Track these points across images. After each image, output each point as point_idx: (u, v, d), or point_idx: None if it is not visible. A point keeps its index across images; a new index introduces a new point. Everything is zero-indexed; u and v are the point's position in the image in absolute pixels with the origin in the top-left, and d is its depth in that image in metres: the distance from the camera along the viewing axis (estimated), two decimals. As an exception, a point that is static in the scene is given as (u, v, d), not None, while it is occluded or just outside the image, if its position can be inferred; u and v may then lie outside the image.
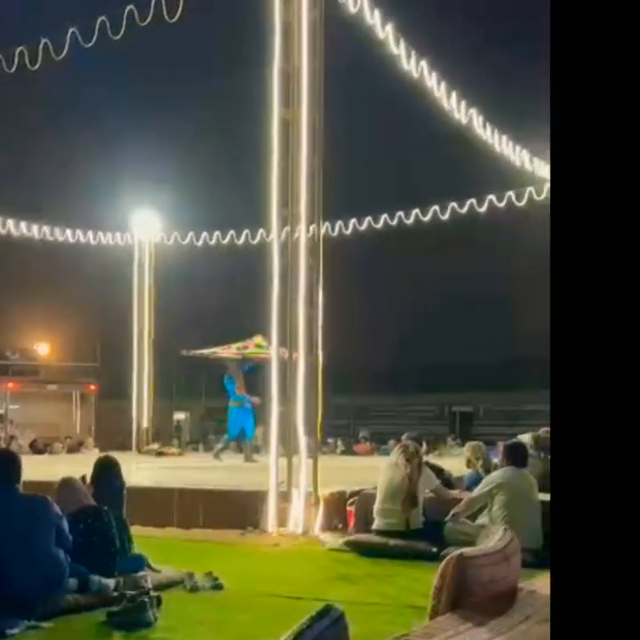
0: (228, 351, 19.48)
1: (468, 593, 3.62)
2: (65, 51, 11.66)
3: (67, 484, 7.73)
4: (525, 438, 11.06)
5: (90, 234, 21.45)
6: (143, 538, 8.53)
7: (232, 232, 21.32)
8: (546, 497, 9.25)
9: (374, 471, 10.28)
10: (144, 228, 21.62)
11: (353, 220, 20.39)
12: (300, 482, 10.42)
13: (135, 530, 8.14)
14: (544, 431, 13.05)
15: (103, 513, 7.30)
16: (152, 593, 6.60)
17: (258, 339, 18.79)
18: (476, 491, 9.14)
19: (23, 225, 20.18)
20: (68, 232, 21.14)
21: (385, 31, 12.21)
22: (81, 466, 9.07)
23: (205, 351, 20.41)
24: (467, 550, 3.74)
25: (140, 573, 7.07)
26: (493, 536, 4.22)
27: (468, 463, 11.23)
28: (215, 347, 20.16)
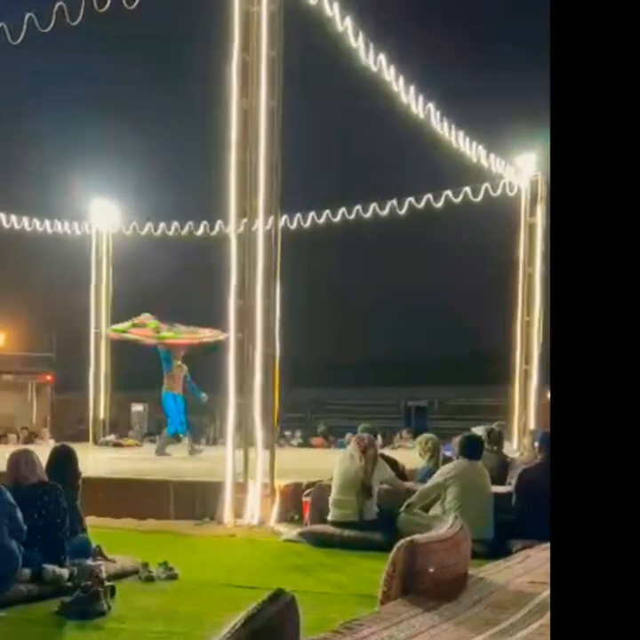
0: (141, 332, 17.82)
1: (418, 579, 3.68)
2: (22, 36, 11.52)
3: (25, 453, 7.64)
4: (479, 431, 11.16)
5: (47, 222, 21.25)
6: (99, 528, 8.53)
7: (190, 223, 21.23)
8: (497, 489, 9.39)
9: (330, 463, 10.33)
10: (102, 217, 21.47)
11: (312, 213, 20.40)
12: (257, 473, 10.44)
13: (90, 520, 8.15)
14: (497, 425, 13.20)
15: (58, 491, 7.27)
16: (106, 583, 6.59)
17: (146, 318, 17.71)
18: (430, 482, 9.22)
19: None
20: (25, 220, 20.92)
21: (344, 24, 12.23)
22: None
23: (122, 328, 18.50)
24: (417, 537, 3.80)
25: (95, 563, 7.06)
26: (444, 524, 4.29)
27: (420, 456, 11.33)
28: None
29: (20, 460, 7.43)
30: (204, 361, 17.67)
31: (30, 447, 18.66)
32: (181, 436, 17.42)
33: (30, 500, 6.98)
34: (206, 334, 17.47)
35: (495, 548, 8.03)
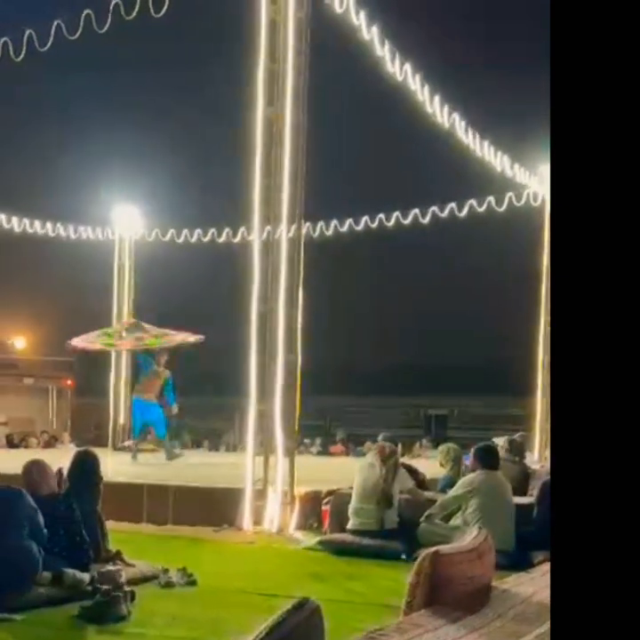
0: (124, 343, 18.31)
1: (442, 589, 3.65)
2: (50, 42, 11.52)
3: (37, 464, 7.68)
4: (500, 442, 11.10)
5: (70, 228, 21.31)
6: (117, 533, 8.53)
7: (213, 230, 21.26)
8: (519, 500, 9.32)
9: (349, 471, 10.29)
10: (125, 223, 21.53)
11: (334, 222, 20.38)
12: (277, 480, 10.42)
13: (109, 525, 8.14)
14: (519, 435, 13.13)
15: (70, 499, 7.28)
16: (126, 588, 6.59)
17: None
18: (451, 492, 9.16)
19: (2, 217, 20.00)
20: (49, 225, 21.00)
21: (370, 33, 12.22)
22: (56, 460, 9.03)
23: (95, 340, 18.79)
24: (442, 547, 3.77)
25: (115, 568, 7.06)
26: (467, 535, 4.25)
27: (442, 465, 11.28)
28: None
29: (33, 471, 7.47)
30: (223, 365, 17.66)
31: (50, 451, 18.73)
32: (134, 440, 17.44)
33: (43, 509, 6.97)
34: (178, 338, 17.61)
35: (517, 560, 7.95)
